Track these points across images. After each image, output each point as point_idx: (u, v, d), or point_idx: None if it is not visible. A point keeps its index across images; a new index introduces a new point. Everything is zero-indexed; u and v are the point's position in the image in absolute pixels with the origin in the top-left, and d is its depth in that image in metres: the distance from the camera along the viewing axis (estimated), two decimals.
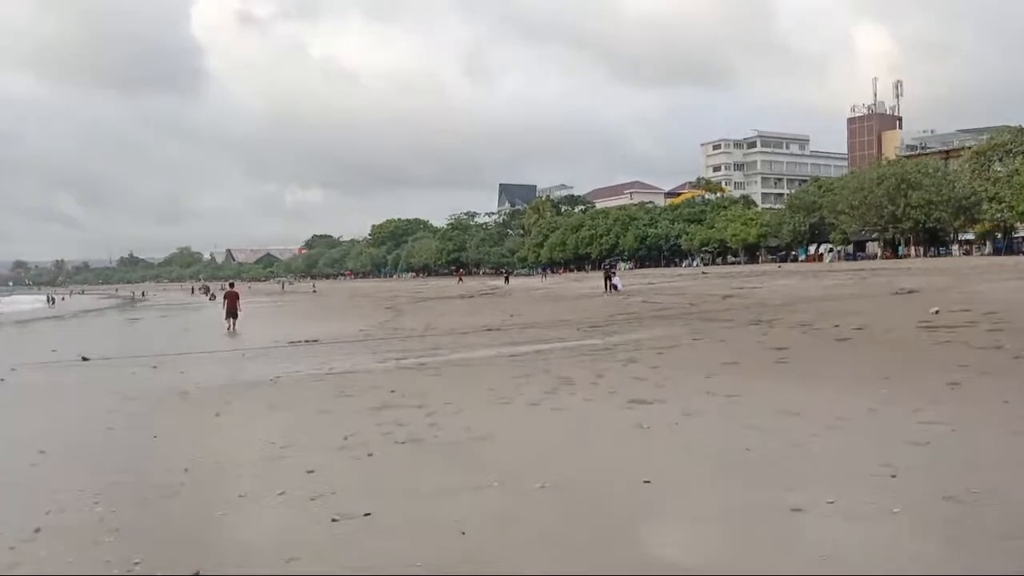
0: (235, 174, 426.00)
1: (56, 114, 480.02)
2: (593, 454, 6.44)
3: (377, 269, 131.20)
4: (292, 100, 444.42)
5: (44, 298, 79.54)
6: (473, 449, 6.73)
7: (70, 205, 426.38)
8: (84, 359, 16.82)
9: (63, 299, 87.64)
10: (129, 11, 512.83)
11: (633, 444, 6.69)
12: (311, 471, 6.14)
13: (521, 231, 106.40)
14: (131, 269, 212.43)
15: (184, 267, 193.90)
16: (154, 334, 27.83)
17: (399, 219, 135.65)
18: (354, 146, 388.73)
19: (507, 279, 62.82)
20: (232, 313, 25.82)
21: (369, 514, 4.91)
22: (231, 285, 29.88)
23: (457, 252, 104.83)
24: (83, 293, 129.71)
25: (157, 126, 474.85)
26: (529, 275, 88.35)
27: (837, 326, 14.98)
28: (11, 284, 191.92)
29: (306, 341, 18.97)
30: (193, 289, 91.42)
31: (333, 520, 4.84)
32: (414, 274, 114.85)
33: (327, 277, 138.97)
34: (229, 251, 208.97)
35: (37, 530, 4.89)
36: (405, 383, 10.74)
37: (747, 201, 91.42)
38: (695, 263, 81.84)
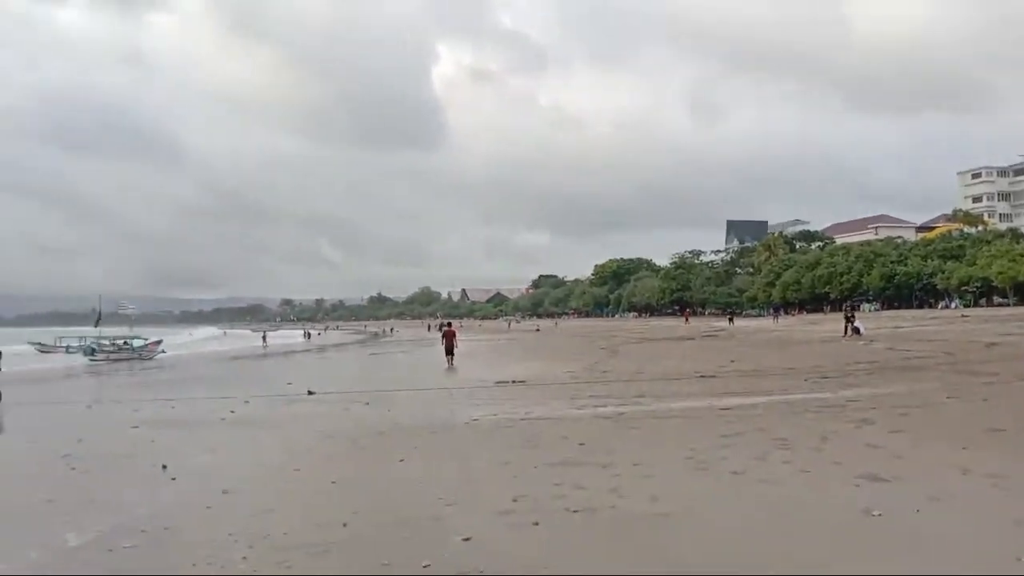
0: (470, 219, 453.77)
1: (318, 171, 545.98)
2: (803, 548, 5.18)
3: (599, 308, 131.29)
4: (521, 148, 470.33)
5: (302, 333, 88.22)
6: (654, 528, 5.73)
7: (329, 250, 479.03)
8: (310, 393, 17.81)
9: (319, 334, 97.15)
10: (380, 77, 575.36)
11: (857, 537, 5.33)
12: (467, 539, 5.52)
13: (751, 269, 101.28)
14: (379, 307, 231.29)
15: (424, 305, 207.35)
16: (382, 369, 29.31)
17: (621, 258, 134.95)
18: (579, 189, 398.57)
19: (731, 320, 59.61)
20: (449, 350, 26.90)
21: None
22: (448, 324, 31.29)
23: (680, 292, 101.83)
24: (337, 328, 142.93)
25: (402, 177, 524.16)
26: (759, 316, 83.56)
27: None
28: (278, 319, 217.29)
29: (513, 381, 18.75)
30: (429, 326, 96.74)
31: None
32: (636, 314, 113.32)
33: (551, 316, 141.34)
34: (464, 290, 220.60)
35: None
36: (597, 435, 9.88)
37: (1015, 234, 79.88)
38: (953, 304, 72.68)
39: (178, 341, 77.18)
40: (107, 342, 47.90)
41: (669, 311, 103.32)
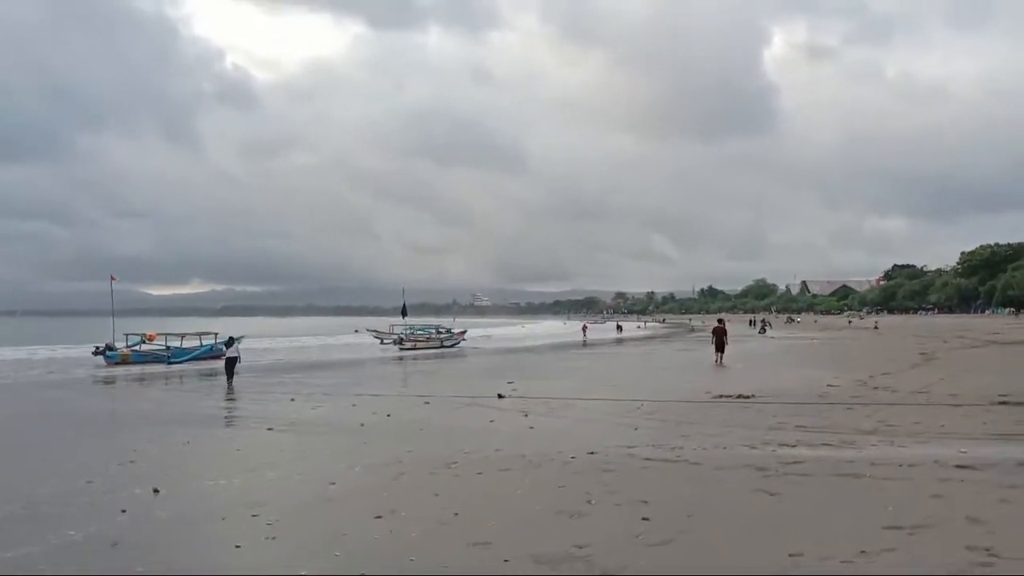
0: (810, 206, 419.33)
1: (651, 166, 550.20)
2: None
3: (966, 303, 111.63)
4: (867, 125, 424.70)
5: (614, 326, 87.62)
6: None
7: (661, 243, 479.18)
8: (500, 396, 16.11)
9: (639, 327, 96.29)
10: (708, 67, 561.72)
11: None
12: None
13: None
14: (710, 300, 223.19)
15: (758, 299, 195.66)
16: (632, 369, 26.66)
17: (996, 244, 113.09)
18: (940, 166, 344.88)
19: None
20: (719, 347, 25.56)
21: None
22: (719, 321, 29.72)
23: None
24: (663, 322, 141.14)
25: (733, 167, 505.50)
26: None
27: None
28: (609, 312, 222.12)
29: (739, 396, 15.03)
30: (751, 321, 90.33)
31: None
32: (1012, 310, 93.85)
33: (905, 311, 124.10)
34: (804, 283, 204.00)
35: None
36: (696, 503, 6.49)
37: None
38: None
39: (503, 332, 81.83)
40: (421, 331, 51.54)
41: None
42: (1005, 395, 13.45)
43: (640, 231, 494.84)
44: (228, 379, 21.68)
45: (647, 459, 8.51)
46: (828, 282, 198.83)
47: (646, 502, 6.45)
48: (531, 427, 11.67)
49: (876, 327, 69.37)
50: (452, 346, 48.50)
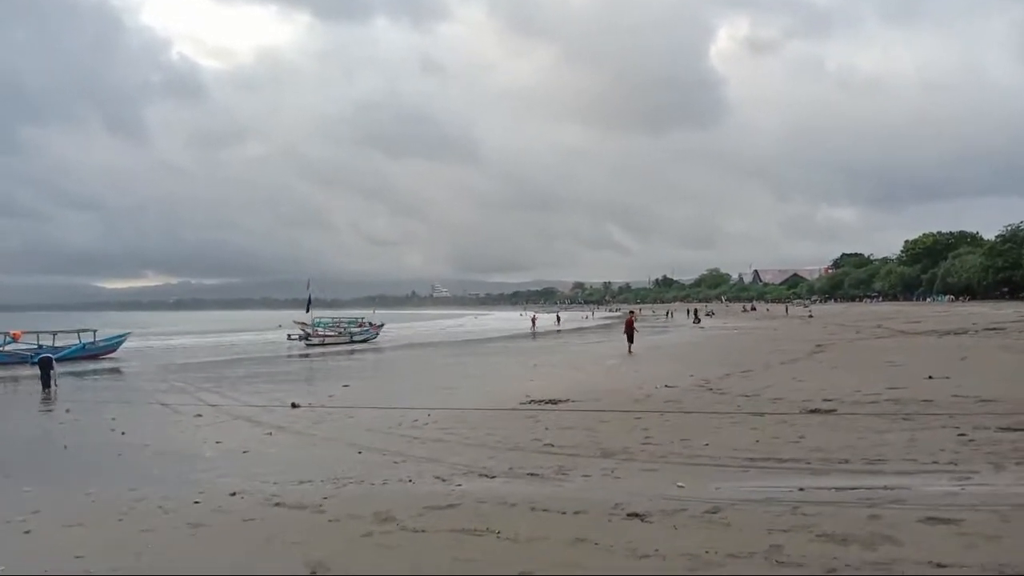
0: (762, 196, 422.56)
1: (606, 157, 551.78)
2: None
3: (909, 291, 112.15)
4: (811, 117, 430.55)
5: (556, 316, 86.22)
6: None
7: (618, 233, 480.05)
8: (294, 406, 14.21)
9: (585, 317, 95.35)
10: (655, 59, 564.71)
11: None
12: None
13: None
14: (665, 290, 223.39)
15: (712, 287, 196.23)
16: (514, 363, 24.82)
17: (938, 233, 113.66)
18: (885, 157, 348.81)
19: None
20: (630, 337, 27.10)
21: None
22: (631, 313, 32.17)
23: (1009, 270, 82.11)
24: (618, 311, 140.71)
25: (684, 158, 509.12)
26: None
27: None
28: (568, 302, 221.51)
29: (549, 401, 13.33)
30: (688, 311, 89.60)
31: None
32: (951, 297, 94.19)
33: (852, 299, 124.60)
34: (756, 271, 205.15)
35: None
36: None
37: None
38: None
39: (447, 325, 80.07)
40: (344, 323, 49.56)
41: (996, 294, 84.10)
42: (829, 399, 11.87)
43: (597, 221, 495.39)
44: (43, 383, 19.56)
45: (278, 505, 6.67)
46: (780, 271, 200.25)
47: None
48: (245, 451, 9.79)
49: (811, 315, 68.72)
50: (364, 340, 46.40)
